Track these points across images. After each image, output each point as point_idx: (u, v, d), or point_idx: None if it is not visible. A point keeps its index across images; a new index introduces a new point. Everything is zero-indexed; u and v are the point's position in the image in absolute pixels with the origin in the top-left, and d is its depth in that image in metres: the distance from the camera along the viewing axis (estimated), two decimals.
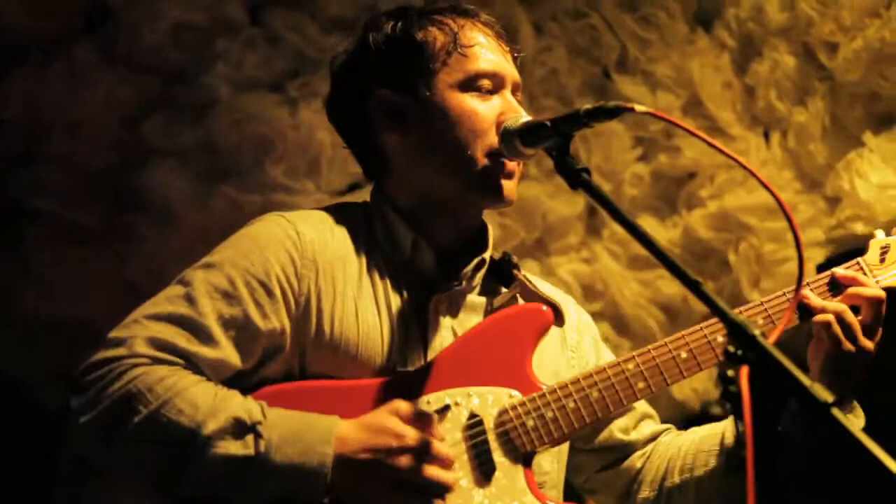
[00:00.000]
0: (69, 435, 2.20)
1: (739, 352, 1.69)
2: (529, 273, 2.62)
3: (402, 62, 2.47)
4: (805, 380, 1.61)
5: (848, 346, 2.42)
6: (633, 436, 2.69)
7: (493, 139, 2.39)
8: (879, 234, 2.65)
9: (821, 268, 4.79)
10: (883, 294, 2.45)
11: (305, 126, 5.23)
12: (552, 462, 2.51)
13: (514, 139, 2.27)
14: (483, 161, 2.40)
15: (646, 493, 2.65)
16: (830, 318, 2.42)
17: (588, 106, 2.05)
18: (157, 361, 2.18)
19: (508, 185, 2.43)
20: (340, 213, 2.50)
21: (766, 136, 5.47)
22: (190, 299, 2.26)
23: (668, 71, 5.53)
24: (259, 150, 5.20)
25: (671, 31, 5.59)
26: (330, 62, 2.63)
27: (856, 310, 2.46)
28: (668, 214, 5.59)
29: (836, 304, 2.44)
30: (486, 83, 2.44)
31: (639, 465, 2.67)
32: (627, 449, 2.69)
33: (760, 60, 5.43)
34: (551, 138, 2.14)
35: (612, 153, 5.53)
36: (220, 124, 5.20)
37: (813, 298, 2.46)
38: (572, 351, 2.64)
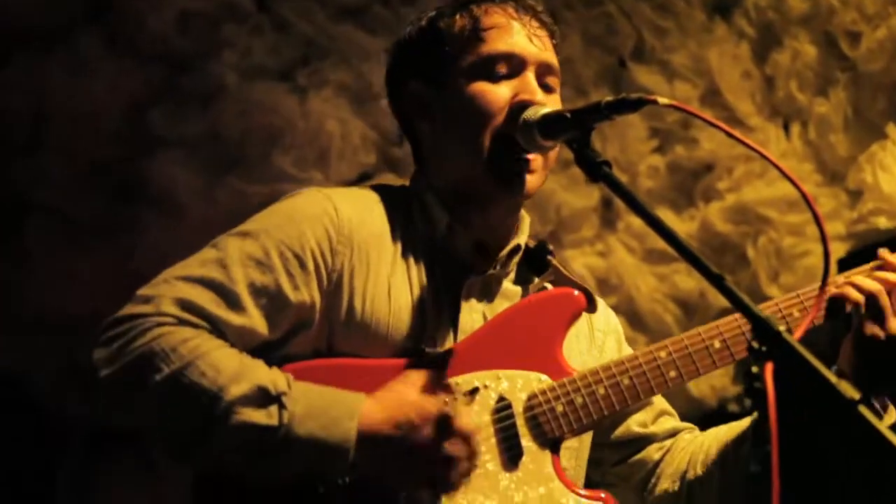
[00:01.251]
0: (91, 388, 2.20)
1: (764, 348, 1.71)
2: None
3: (426, 52, 2.51)
4: (831, 376, 1.62)
5: (876, 331, 2.41)
6: (652, 429, 2.70)
7: (499, 121, 2.39)
8: None
9: (842, 262, 4.81)
10: (859, 298, 2.42)
11: (315, 115, 5.24)
12: (570, 459, 2.52)
13: (533, 131, 2.28)
14: (489, 146, 2.40)
15: (666, 485, 2.66)
16: (860, 298, 2.42)
17: (610, 98, 2.05)
18: (182, 322, 2.19)
19: (525, 178, 2.42)
20: (380, 193, 2.52)
21: (786, 127, 5.48)
22: (222, 264, 2.27)
23: (685, 60, 5.54)
24: (267, 140, 5.22)
25: (688, 18, 5.60)
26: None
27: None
28: (685, 207, 5.61)
29: (871, 284, 2.43)
30: (501, 66, 2.44)
31: (657, 457, 2.69)
32: (645, 441, 2.70)
33: (780, 50, 5.44)
34: (571, 131, 2.15)
35: (628, 144, 5.55)
36: (227, 114, 5.21)
37: (845, 288, 2.46)
38: (598, 350, 2.66)
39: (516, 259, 2.54)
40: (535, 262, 2.58)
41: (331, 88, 5.32)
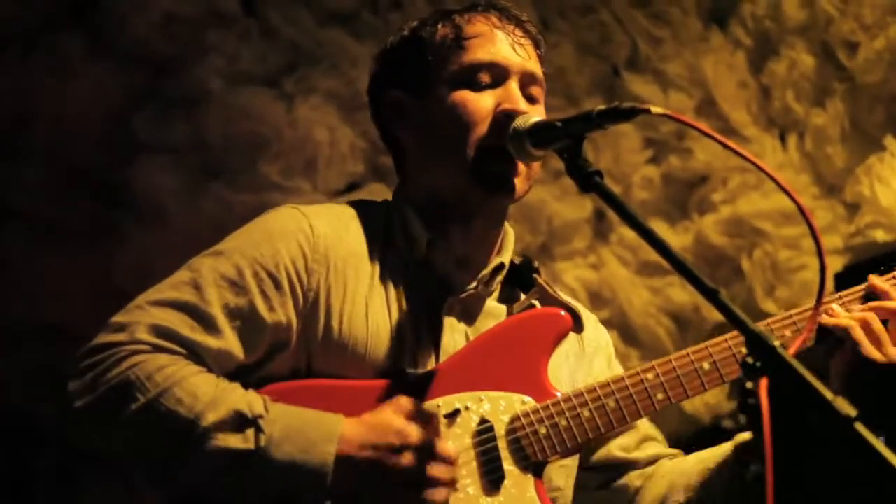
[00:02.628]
0: (67, 418, 2.21)
1: (758, 364, 1.71)
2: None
3: (407, 62, 2.51)
4: (827, 393, 1.62)
5: (873, 354, 2.41)
6: (634, 454, 2.69)
7: (482, 131, 2.39)
8: None
9: (839, 276, 4.82)
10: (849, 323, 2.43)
11: (302, 123, 5.24)
12: (566, 478, 2.52)
13: (523, 140, 2.28)
14: (473, 155, 2.39)
15: None
16: (852, 324, 2.43)
17: (602, 107, 2.05)
18: (158, 349, 2.20)
19: (513, 180, 2.42)
20: (359, 210, 2.52)
21: (783, 138, 5.50)
22: (196, 286, 2.28)
23: (680, 70, 5.55)
24: (252, 147, 5.21)
25: (684, 28, 5.62)
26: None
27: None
28: (679, 219, 5.61)
29: (863, 313, 2.44)
30: (483, 76, 2.44)
31: (638, 483, 2.67)
32: (626, 467, 2.69)
33: (777, 59, 5.45)
34: (562, 140, 2.14)
35: (622, 155, 5.56)
36: (212, 120, 5.21)
37: (836, 311, 2.47)
38: (588, 367, 2.65)
39: (500, 277, 2.53)
40: (521, 280, 2.57)
41: (319, 96, 5.32)
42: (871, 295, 2.52)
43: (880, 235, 4.98)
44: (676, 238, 5.48)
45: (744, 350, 2.43)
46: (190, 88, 5.24)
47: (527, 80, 2.48)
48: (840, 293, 2.53)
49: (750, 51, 5.57)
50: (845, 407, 1.59)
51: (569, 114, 2.21)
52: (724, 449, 2.61)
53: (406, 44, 2.53)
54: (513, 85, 2.45)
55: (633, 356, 5.30)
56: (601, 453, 2.67)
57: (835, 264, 5.07)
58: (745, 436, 2.55)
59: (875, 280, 2.53)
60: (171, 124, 5.22)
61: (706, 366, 2.45)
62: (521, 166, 2.42)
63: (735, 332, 2.46)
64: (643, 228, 1.95)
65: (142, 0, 5.23)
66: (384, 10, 5.42)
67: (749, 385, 1.70)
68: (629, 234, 5.38)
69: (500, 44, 2.47)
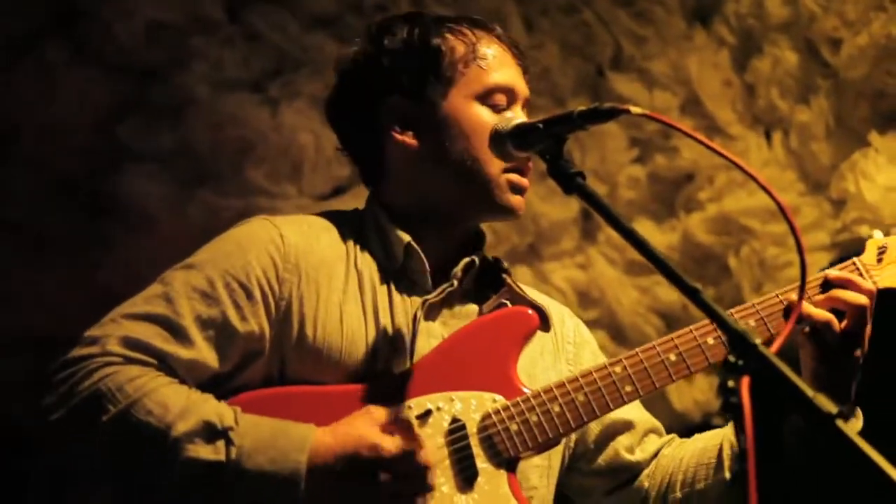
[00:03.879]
0: (41, 431, 2.24)
1: (740, 362, 1.71)
2: (521, 280, 2.65)
3: (418, 69, 2.52)
4: (808, 390, 1.63)
5: (834, 356, 2.44)
6: (639, 455, 2.70)
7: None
8: (877, 234, 2.69)
9: None
10: (865, 301, 2.45)
11: (287, 128, 5.25)
12: (541, 478, 2.53)
13: (505, 142, 2.29)
14: (500, 177, 2.47)
15: None
16: (831, 317, 2.44)
17: (582, 107, 2.06)
18: (129, 361, 2.22)
19: (519, 200, 2.52)
20: (330, 219, 2.55)
21: (768, 135, 5.50)
22: (168, 299, 2.30)
23: (664, 69, 5.56)
24: (238, 152, 5.22)
25: (668, 26, 5.62)
26: (335, 61, 2.68)
27: (841, 315, 2.47)
28: (666, 218, 5.62)
29: (823, 314, 2.45)
30: (500, 98, 2.49)
31: (647, 485, 2.69)
32: (635, 469, 2.70)
33: (761, 57, 5.46)
34: (544, 141, 2.15)
35: (608, 154, 5.56)
36: (198, 126, 5.21)
37: (807, 307, 2.48)
38: (570, 364, 2.66)
39: (472, 276, 2.56)
40: (492, 280, 2.59)
41: (303, 100, 5.32)
42: (829, 283, 2.52)
43: (866, 231, 4.94)
44: (663, 237, 5.49)
45: (709, 340, 2.49)
46: (175, 95, 5.25)
47: (524, 104, 2.57)
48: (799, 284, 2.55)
49: (734, 49, 5.57)
50: (826, 404, 1.60)
51: (553, 114, 2.22)
52: (717, 440, 2.63)
53: (412, 50, 2.53)
54: (519, 110, 2.53)
55: (622, 355, 5.29)
56: (608, 454, 2.69)
57: (821, 260, 5.07)
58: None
59: (831, 273, 2.55)
60: (157, 131, 5.22)
61: (672, 357, 2.47)
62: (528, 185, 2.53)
63: (701, 324, 2.51)
64: (625, 229, 1.96)
65: (126, 8, 5.23)
66: (368, 13, 5.42)
67: (731, 384, 1.70)
68: (616, 234, 5.37)
69: (513, 68, 2.56)
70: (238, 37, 5.35)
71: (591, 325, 5.47)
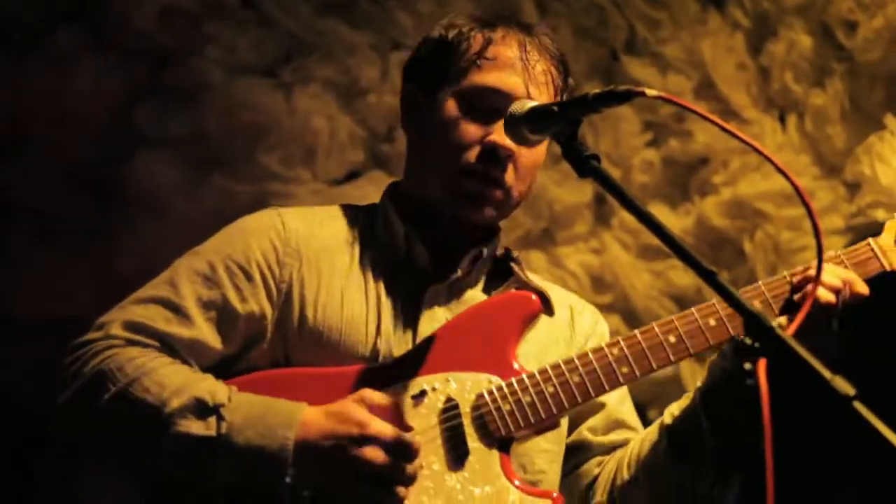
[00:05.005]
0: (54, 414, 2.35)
1: (756, 344, 1.71)
2: (535, 265, 2.67)
3: (429, 61, 2.57)
4: (826, 372, 1.62)
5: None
6: (599, 439, 2.68)
7: (466, 157, 2.45)
8: None
9: None
10: (832, 298, 2.44)
11: (301, 112, 5.24)
12: (549, 462, 2.54)
13: (520, 125, 2.28)
14: (449, 178, 2.47)
15: (598, 497, 2.64)
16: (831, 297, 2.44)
17: (597, 90, 2.05)
18: (130, 343, 2.32)
19: (481, 208, 2.48)
20: (337, 210, 2.61)
21: (783, 119, 5.48)
22: (171, 283, 2.41)
23: (678, 52, 5.53)
24: (252, 137, 5.22)
25: (682, 9, 5.59)
26: None
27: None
28: (680, 202, 5.60)
29: (829, 297, 2.44)
30: (486, 100, 2.47)
31: (596, 471, 2.67)
32: (588, 452, 2.68)
33: (776, 40, 5.43)
34: (558, 124, 2.14)
35: (621, 138, 5.55)
36: (212, 111, 5.22)
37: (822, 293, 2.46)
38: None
39: (484, 268, 2.57)
40: (503, 272, 2.60)
41: (317, 84, 5.32)
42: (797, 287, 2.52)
43: (881, 215, 4.96)
44: (678, 221, 5.48)
45: (711, 322, 2.47)
46: (189, 81, 5.25)
47: None
48: (786, 273, 2.55)
49: (748, 32, 5.54)
50: (844, 386, 1.59)
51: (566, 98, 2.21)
52: (660, 419, 2.60)
53: (432, 43, 2.57)
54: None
55: (620, 336, 5.27)
56: (573, 434, 2.67)
57: (836, 244, 5.04)
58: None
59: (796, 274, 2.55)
60: (171, 117, 5.23)
61: (672, 338, 2.46)
62: (498, 193, 2.48)
63: (704, 305, 2.49)
64: (640, 212, 1.95)
65: None
66: None
67: (747, 366, 1.70)
68: (630, 218, 5.35)
69: (515, 75, 2.50)
70: (251, 22, 5.34)
71: (605, 309, 5.49)
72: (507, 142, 2.41)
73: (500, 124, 2.42)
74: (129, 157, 5.21)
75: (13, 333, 5.12)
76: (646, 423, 2.74)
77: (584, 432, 2.67)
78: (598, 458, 2.68)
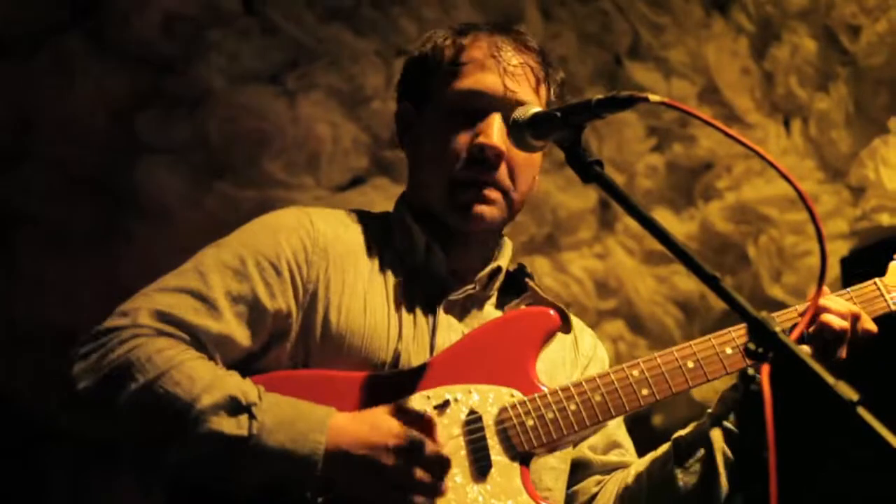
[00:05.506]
0: (67, 401, 2.25)
1: (760, 350, 1.71)
2: (539, 270, 2.67)
3: (417, 77, 2.58)
4: (829, 378, 1.62)
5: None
6: (599, 457, 2.69)
7: (456, 166, 2.45)
8: None
9: (845, 261, 4.81)
10: (845, 325, 2.45)
11: (304, 119, 5.25)
12: (556, 480, 2.54)
13: (523, 131, 2.28)
14: (444, 190, 2.47)
15: None
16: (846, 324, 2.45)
17: (600, 96, 2.05)
18: (159, 333, 2.24)
19: (478, 216, 2.47)
20: (358, 215, 2.59)
21: (787, 123, 5.49)
22: (200, 273, 2.34)
23: (682, 57, 5.54)
24: (256, 144, 5.23)
25: (685, 14, 5.60)
26: None
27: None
28: (684, 207, 5.61)
29: (841, 322, 2.45)
30: (468, 105, 2.48)
31: (594, 490, 2.67)
32: (588, 470, 2.69)
33: (779, 45, 5.44)
34: (561, 130, 2.14)
35: (625, 143, 5.55)
36: (215, 118, 5.22)
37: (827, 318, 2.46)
38: (580, 374, 2.67)
39: (498, 283, 2.58)
40: (515, 286, 2.61)
41: (320, 91, 5.32)
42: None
43: (886, 219, 4.96)
44: (682, 226, 5.48)
45: (727, 350, 2.50)
46: (192, 87, 5.26)
47: (510, 110, 2.43)
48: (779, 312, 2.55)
49: (752, 36, 5.55)
50: (847, 391, 1.59)
51: (570, 103, 2.21)
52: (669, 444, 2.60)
53: (417, 58, 2.59)
54: (494, 117, 2.47)
55: (640, 345, 5.29)
56: (575, 453, 2.67)
57: (841, 249, 5.06)
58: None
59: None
60: (174, 124, 5.24)
61: (690, 364, 2.49)
62: (494, 194, 2.47)
63: (720, 333, 2.51)
64: (644, 217, 1.95)
65: (143, 0, 5.24)
66: (385, 4, 5.42)
67: (751, 372, 1.70)
68: (634, 224, 5.34)
69: (489, 73, 2.49)
70: (255, 28, 5.35)
71: (609, 314, 5.52)
72: (494, 140, 2.42)
73: (485, 123, 2.45)
74: (132, 164, 5.22)
75: (17, 340, 5.13)
76: (650, 429, 2.75)
77: (585, 450, 2.68)
78: (597, 478, 2.68)
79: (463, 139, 2.46)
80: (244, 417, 2.17)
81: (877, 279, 2.64)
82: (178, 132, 5.23)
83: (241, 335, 2.33)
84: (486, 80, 2.48)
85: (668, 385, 2.47)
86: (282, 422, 2.18)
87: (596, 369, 2.70)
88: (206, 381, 2.19)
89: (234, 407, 2.18)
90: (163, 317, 2.26)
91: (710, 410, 2.57)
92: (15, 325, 5.13)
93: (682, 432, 2.61)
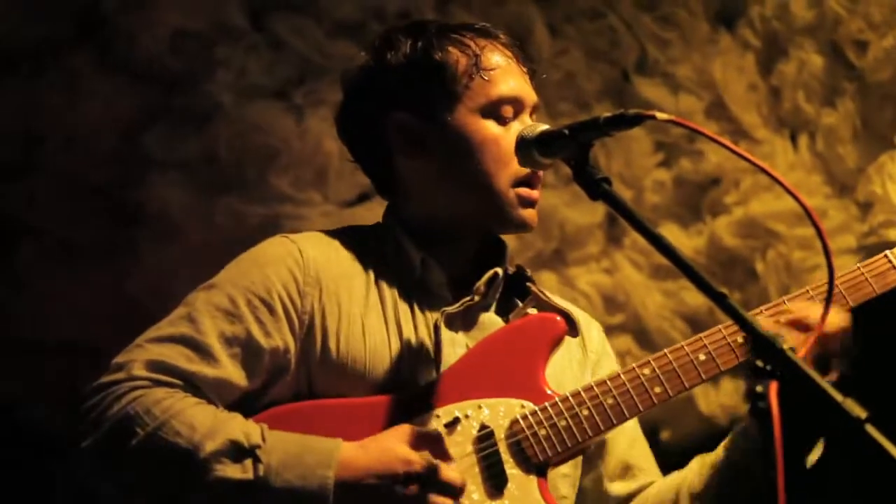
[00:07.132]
0: (73, 462, 2.26)
1: (768, 367, 1.71)
2: (546, 285, 2.66)
3: (422, 85, 2.52)
4: (837, 395, 1.63)
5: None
6: (615, 487, 2.67)
7: (516, 168, 2.46)
8: None
9: None
10: (844, 325, 2.48)
11: (312, 135, 5.26)
12: (571, 487, 2.53)
13: (530, 149, 2.30)
14: (509, 192, 2.48)
15: None
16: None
17: (608, 114, 2.07)
18: (156, 383, 2.24)
19: (531, 214, 2.51)
20: (348, 235, 2.56)
21: (794, 139, 5.48)
22: (191, 319, 2.32)
23: (689, 72, 5.54)
24: (263, 160, 5.24)
25: (692, 30, 5.61)
26: (341, 76, 2.68)
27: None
28: (692, 222, 5.60)
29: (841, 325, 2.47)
30: (507, 109, 2.50)
31: None
32: (602, 500, 2.67)
33: (786, 60, 5.44)
34: (569, 147, 2.16)
35: (633, 158, 5.55)
36: (223, 134, 5.23)
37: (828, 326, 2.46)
38: (591, 373, 2.66)
39: (497, 289, 2.55)
40: (517, 290, 2.59)
41: (328, 107, 5.31)
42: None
43: (894, 234, 4.96)
44: (689, 241, 5.48)
45: (738, 339, 2.47)
46: (200, 103, 5.27)
47: (533, 110, 2.57)
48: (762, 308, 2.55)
49: (759, 52, 5.55)
50: (855, 408, 1.60)
51: (578, 119, 2.23)
52: (717, 454, 2.58)
53: (416, 65, 2.53)
54: (527, 118, 2.53)
55: (650, 356, 5.27)
56: (587, 481, 2.66)
57: (848, 263, 5.02)
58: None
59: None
60: (182, 140, 5.25)
61: (702, 356, 2.46)
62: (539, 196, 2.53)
63: (729, 323, 2.47)
64: (651, 233, 1.97)
65: (151, 17, 5.26)
66: (391, 20, 5.43)
67: (759, 389, 1.71)
68: (642, 239, 5.36)
69: (518, 77, 2.55)
70: (262, 44, 5.36)
71: (617, 329, 5.51)
72: None
73: (520, 122, 2.50)
74: (139, 180, 5.23)
75: (26, 354, 5.14)
76: (657, 444, 2.74)
77: (604, 482, 2.66)
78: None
79: (507, 141, 2.45)
80: (249, 461, 2.16)
81: (888, 251, 2.63)
82: (187, 148, 5.24)
83: (238, 377, 2.32)
84: (518, 84, 2.54)
85: (682, 381, 2.45)
86: (288, 460, 2.17)
87: (606, 365, 2.70)
88: (206, 428, 2.18)
89: (238, 451, 2.17)
90: (157, 366, 2.25)
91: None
92: (24, 339, 5.13)
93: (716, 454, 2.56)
